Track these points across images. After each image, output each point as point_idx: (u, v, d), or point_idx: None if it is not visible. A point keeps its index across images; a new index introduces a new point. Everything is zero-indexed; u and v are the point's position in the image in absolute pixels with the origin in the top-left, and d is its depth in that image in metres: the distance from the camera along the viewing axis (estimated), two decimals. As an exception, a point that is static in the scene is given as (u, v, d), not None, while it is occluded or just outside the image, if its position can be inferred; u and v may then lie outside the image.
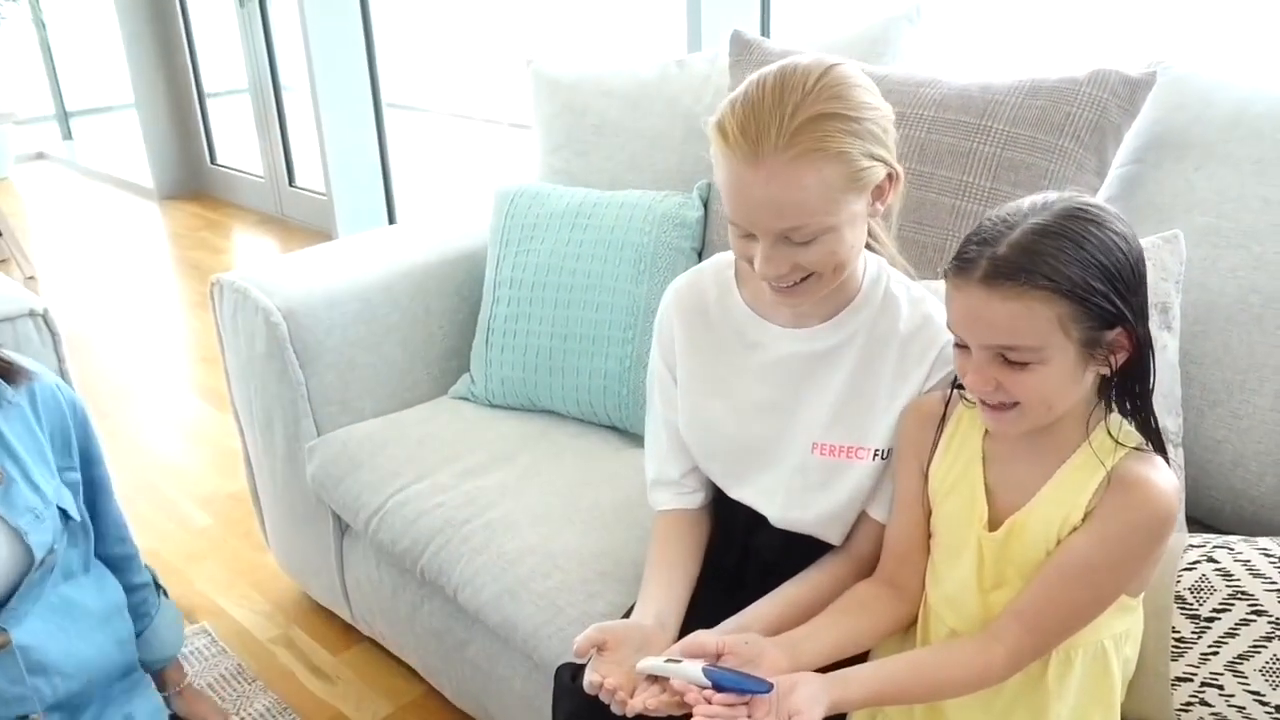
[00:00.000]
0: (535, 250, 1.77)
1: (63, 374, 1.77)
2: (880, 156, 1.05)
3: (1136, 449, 1.00)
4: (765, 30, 2.58)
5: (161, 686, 1.50)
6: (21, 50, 5.86)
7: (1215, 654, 1.08)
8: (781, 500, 1.21)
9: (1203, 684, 1.09)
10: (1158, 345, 1.29)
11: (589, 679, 1.04)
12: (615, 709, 1.03)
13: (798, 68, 1.04)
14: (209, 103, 4.89)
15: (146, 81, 4.80)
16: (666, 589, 1.20)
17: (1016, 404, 0.97)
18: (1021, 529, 1.03)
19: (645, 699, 1.01)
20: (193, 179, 5.00)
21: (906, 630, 1.16)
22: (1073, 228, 0.93)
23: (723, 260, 1.26)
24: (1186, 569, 1.12)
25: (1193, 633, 1.10)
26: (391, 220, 4.16)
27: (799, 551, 1.23)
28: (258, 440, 1.91)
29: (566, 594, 1.41)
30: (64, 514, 1.24)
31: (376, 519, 1.64)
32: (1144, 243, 1.31)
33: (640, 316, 1.68)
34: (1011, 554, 1.04)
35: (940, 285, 1.38)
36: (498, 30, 7.82)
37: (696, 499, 1.28)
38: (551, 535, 1.50)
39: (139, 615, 1.50)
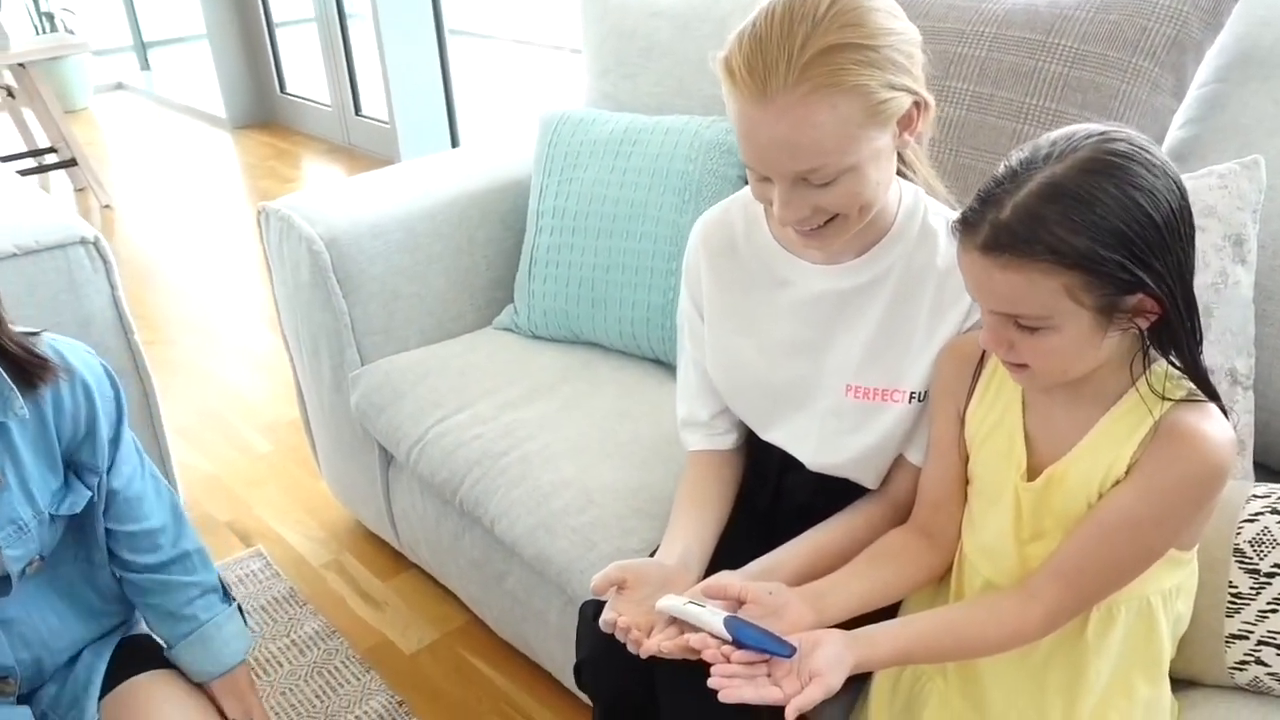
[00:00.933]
0: (578, 178, 1.72)
1: (115, 302, 1.80)
2: (903, 85, 0.97)
3: (1187, 399, 0.92)
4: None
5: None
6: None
7: (1274, 611, 1.02)
8: (814, 443, 1.16)
9: (1259, 642, 1.03)
10: (1229, 280, 1.20)
11: (605, 617, 1.02)
12: (631, 648, 1.01)
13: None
14: (278, 32, 4.89)
15: (218, 12, 4.82)
16: (694, 528, 1.17)
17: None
18: (1061, 479, 0.97)
19: (661, 640, 0.99)
20: (263, 108, 5.03)
21: (940, 581, 1.12)
22: (1086, 185, 0.84)
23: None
24: (1248, 520, 1.05)
25: (1251, 588, 1.03)
26: (455, 148, 4.14)
27: (833, 495, 1.19)
28: (306, 369, 1.92)
29: (601, 529, 1.40)
30: (54, 519, 1.15)
31: (417, 449, 1.64)
32: (1220, 169, 1.22)
33: (684, 247, 1.63)
34: (1050, 505, 0.98)
35: None
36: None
37: (728, 440, 1.24)
38: (588, 469, 1.48)
39: (184, 618, 1.27)
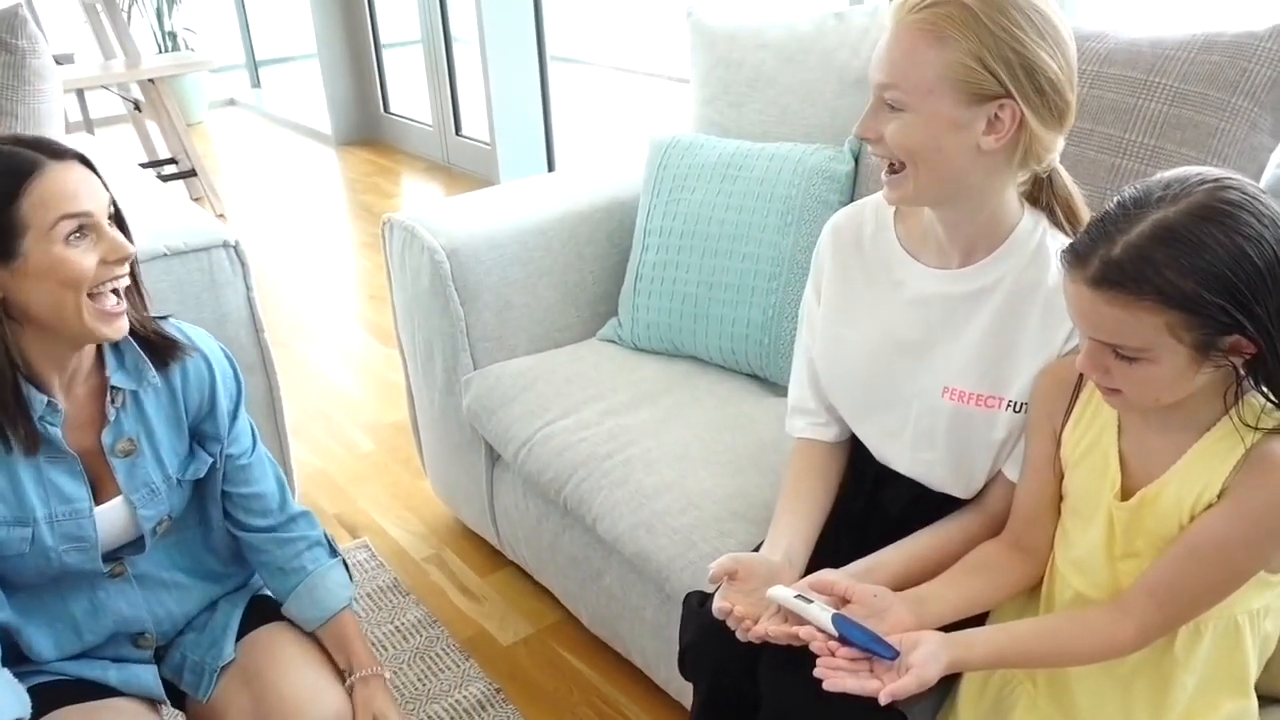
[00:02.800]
0: (686, 200, 1.82)
1: (249, 302, 1.94)
2: (994, 70, 1.04)
3: (1278, 429, 0.96)
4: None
5: (349, 669, 1.35)
6: (217, 1, 6.24)
7: (1361, 632, 1.05)
8: (906, 442, 1.23)
9: (1345, 662, 1.06)
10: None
11: (718, 605, 1.10)
12: (740, 635, 1.09)
13: None
14: (384, 54, 5.11)
15: (328, 33, 5.05)
16: (798, 526, 1.24)
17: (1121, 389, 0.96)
18: (1154, 501, 1.01)
19: (769, 626, 1.06)
20: (367, 127, 5.25)
21: (1031, 592, 1.17)
22: (1196, 232, 0.88)
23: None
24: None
25: (1338, 609, 1.06)
26: (551, 169, 4.27)
27: (927, 509, 1.24)
28: (419, 372, 2.04)
29: (700, 530, 1.47)
30: (181, 484, 1.27)
31: (525, 450, 1.74)
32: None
33: (785, 267, 1.71)
34: (1143, 525, 1.03)
35: None
36: (663, -16, 7.80)
37: (831, 431, 1.32)
38: (688, 474, 1.56)
39: (293, 570, 1.36)
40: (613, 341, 1.93)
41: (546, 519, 1.81)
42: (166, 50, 5.54)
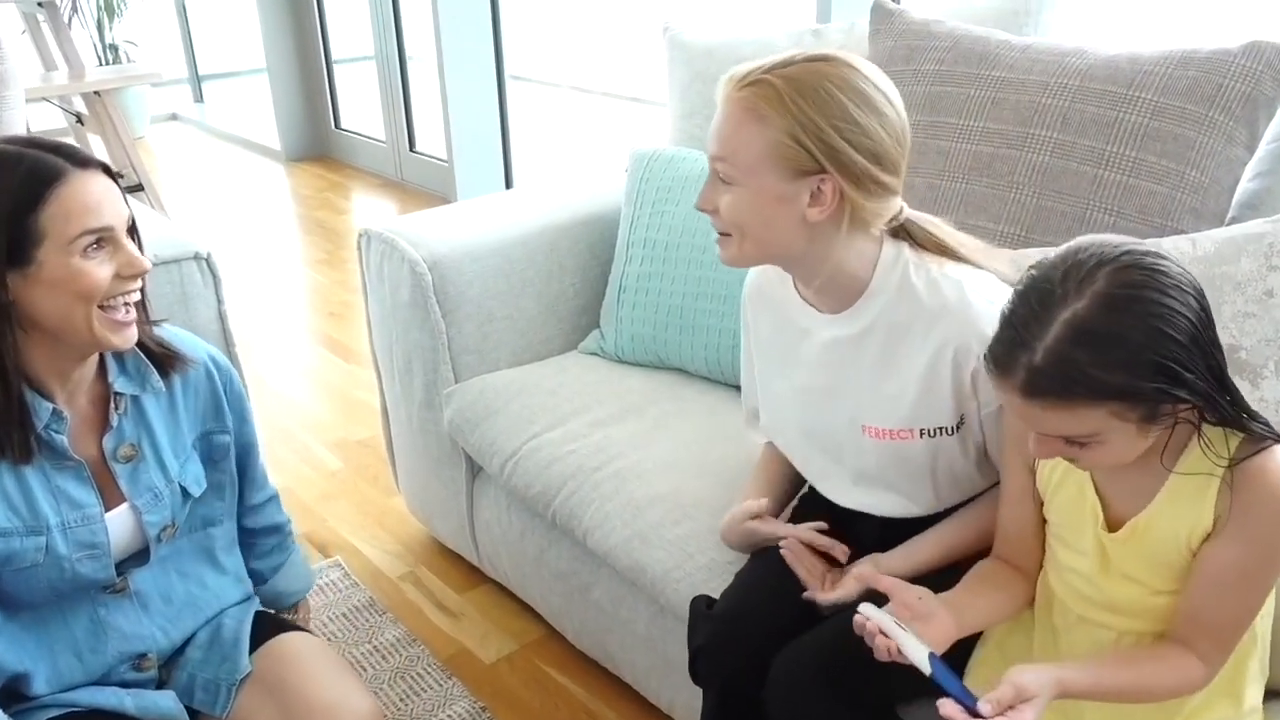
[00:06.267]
0: (670, 211, 1.82)
1: (221, 315, 1.90)
2: (808, 148, 1.07)
3: (1245, 452, 0.96)
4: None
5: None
6: (158, 14, 6.13)
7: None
8: (850, 479, 1.27)
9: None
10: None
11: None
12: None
13: (829, 51, 1.12)
14: (336, 69, 5.05)
15: (278, 47, 4.98)
16: (775, 486, 1.36)
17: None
18: (1145, 532, 1.02)
19: (875, 631, 1.02)
20: (318, 142, 5.18)
21: (1025, 608, 1.17)
22: (1109, 325, 0.88)
23: None
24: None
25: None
26: (509, 187, 4.26)
27: (902, 533, 1.26)
28: (396, 386, 2.01)
29: (696, 541, 1.47)
30: (185, 492, 1.27)
31: (511, 463, 1.72)
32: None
33: (771, 279, 1.72)
34: (1138, 554, 1.03)
35: (1023, 259, 1.40)
36: (621, 4, 7.88)
37: None
38: (681, 485, 1.56)
39: (282, 549, 1.51)
40: (595, 354, 1.92)
41: (531, 533, 1.79)
42: (107, 63, 5.42)
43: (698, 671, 1.24)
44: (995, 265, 1.19)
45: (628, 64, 7.00)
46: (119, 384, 1.18)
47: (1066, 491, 1.08)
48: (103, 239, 1.07)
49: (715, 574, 1.41)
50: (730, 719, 1.22)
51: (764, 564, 1.28)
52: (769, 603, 1.19)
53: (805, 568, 1.22)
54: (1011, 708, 0.93)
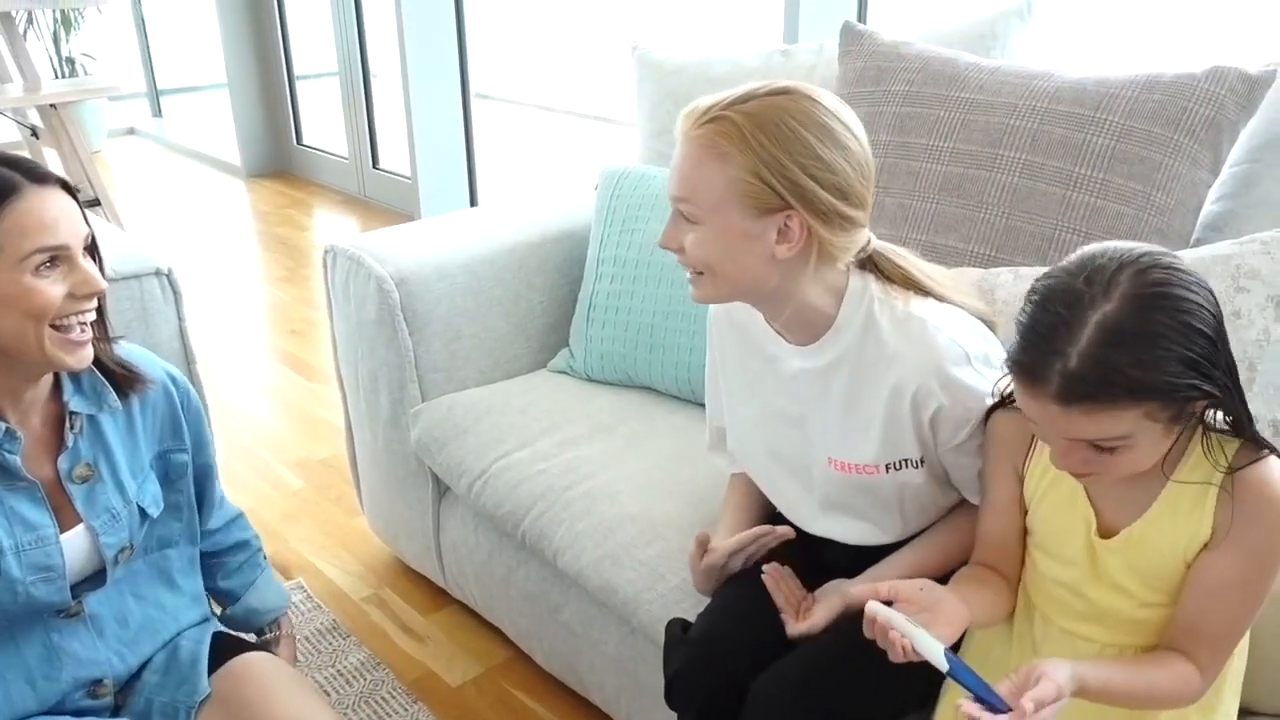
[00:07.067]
0: (640, 229, 1.81)
1: (181, 332, 1.86)
2: (772, 185, 1.05)
3: (1244, 460, 0.97)
4: (862, 21, 2.59)
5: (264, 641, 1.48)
6: (116, 28, 6.04)
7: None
8: (817, 507, 1.26)
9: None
10: (1271, 339, 1.30)
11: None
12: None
13: (789, 84, 1.09)
14: (298, 85, 5.01)
15: (239, 63, 4.93)
16: (742, 528, 1.31)
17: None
18: (1141, 540, 1.02)
19: (901, 641, 0.96)
20: (278, 158, 5.13)
21: (1009, 616, 1.17)
22: (1143, 323, 0.89)
23: None
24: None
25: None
26: (474, 204, 4.23)
27: (870, 558, 1.25)
28: (361, 404, 1.98)
29: (668, 561, 1.46)
30: (143, 513, 1.24)
31: (480, 483, 1.70)
32: (1264, 236, 1.32)
33: (742, 297, 1.72)
34: (1131, 562, 1.04)
35: (993, 278, 1.40)
36: (587, 24, 7.91)
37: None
38: (652, 505, 1.54)
39: (254, 565, 1.49)
40: (564, 372, 1.90)
41: (499, 554, 1.77)
42: (64, 76, 5.33)
43: (674, 697, 1.22)
44: (961, 299, 1.19)
45: (592, 83, 7.02)
46: (74, 403, 1.15)
47: (1056, 498, 1.08)
48: (57, 257, 1.04)
49: (687, 595, 1.40)
50: (709, 743, 1.20)
51: (739, 586, 1.26)
52: (746, 625, 1.18)
53: (784, 594, 1.20)
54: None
